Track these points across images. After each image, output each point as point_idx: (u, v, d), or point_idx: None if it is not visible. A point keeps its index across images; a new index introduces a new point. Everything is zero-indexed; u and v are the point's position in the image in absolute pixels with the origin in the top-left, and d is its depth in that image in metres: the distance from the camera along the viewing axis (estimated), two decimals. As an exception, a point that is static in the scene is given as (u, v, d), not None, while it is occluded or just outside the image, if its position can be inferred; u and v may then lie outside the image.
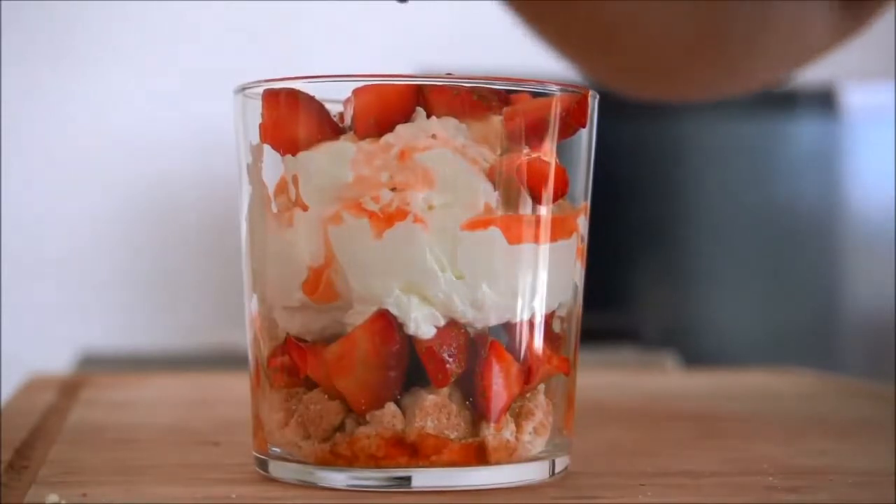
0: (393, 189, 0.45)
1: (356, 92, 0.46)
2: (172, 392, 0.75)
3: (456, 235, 0.45)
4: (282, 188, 0.47)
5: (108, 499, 0.44)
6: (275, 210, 0.47)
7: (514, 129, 0.46)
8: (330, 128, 0.46)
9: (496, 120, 0.46)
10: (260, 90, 0.47)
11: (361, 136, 0.46)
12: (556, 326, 0.48)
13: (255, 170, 0.48)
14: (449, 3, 1.84)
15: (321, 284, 0.46)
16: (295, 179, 0.46)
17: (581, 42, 0.78)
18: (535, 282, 0.47)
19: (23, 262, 1.79)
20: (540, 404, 0.47)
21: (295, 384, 0.47)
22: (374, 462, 0.45)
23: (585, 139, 0.48)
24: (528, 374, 0.47)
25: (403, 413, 0.45)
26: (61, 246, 1.80)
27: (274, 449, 0.47)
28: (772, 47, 0.77)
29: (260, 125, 0.47)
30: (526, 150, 0.46)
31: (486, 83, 0.46)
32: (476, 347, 0.46)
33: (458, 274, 0.45)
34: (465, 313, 0.45)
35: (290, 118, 0.46)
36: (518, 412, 0.47)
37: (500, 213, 0.46)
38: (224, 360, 1.21)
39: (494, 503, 0.44)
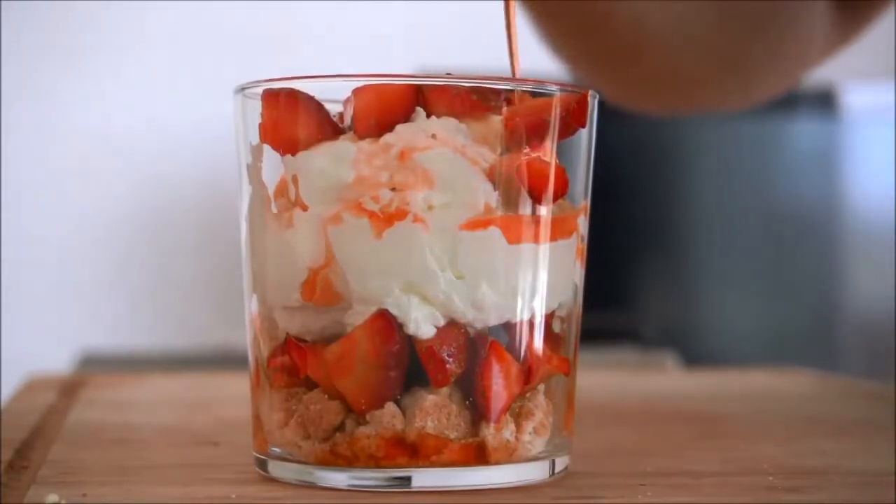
0: (393, 189, 0.45)
1: (356, 92, 0.46)
2: (172, 392, 0.75)
3: (456, 235, 0.45)
4: (282, 188, 0.47)
5: (107, 499, 0.44)
6: (275, 210, 0.47)
7: (514, 129, 0.46)
8: (330, 128, 0.46)
9: (496, 120, 0.46)
10: (260, 90, 0.47)
11: (361, 136, 0.46)
12: (556, 326, 0.48)
13: (254, 170, 0.48)
14: (449, 3, 1.84)
15: (317, 288, 0.46)
16: (295, 179, 0.46)
17: (603, 56, 0.78)
18: (534, 282, 0.47)
19: (23, 262, 1.78)
20: (540, 404, 0.47)
21: (295, 384, 0.47)
22: (374, 462, 0.45)
23: (585, 139, 0.48)
24: (528, 374, 0.47)
25: (403, 413, 0.45)
26: (61, 246, 1.80)
27: (274, 449, 0.47)
28: (789, 55, 0.77)
29: (260, 125, 0.47)
30: (526, 150, 0.46)
31: (486, 83, 0.46)
32: (476, 347, 0.46)
33: (458, 274, 0.45)
34: (465, 313, 0.45)
35: (290, 118, 0.46)
36: (518, 412, 0.47)
37: (500, 213, 0.46)
38: (224, 360, 1.21)
39: (494, 503, 0.44)
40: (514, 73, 0.49)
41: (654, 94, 0.81)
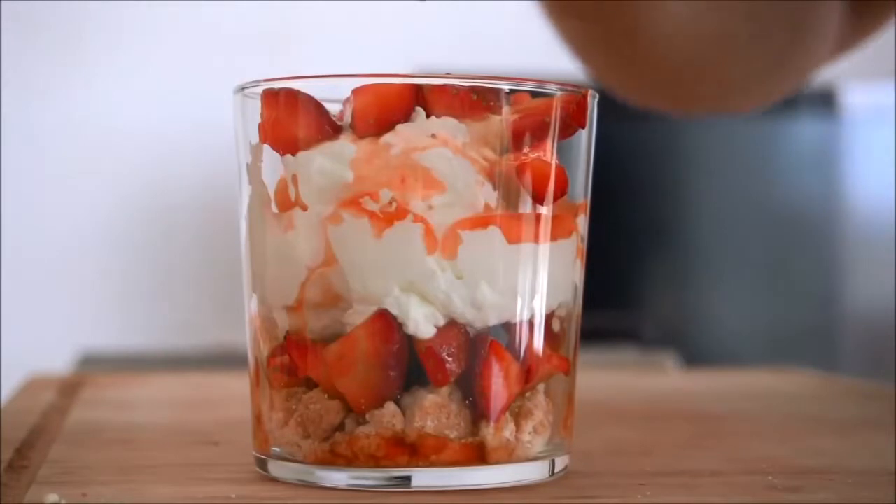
0: (392, 189, 0.45)
1: (355, 92, 0.46)
2: (172, 392, 0.75)
3: (456, 235, 0.45)
4: (282, 188, 0.47)
5: (107, 499, 0.44)
6: (275, 210, 0.47)
7: (515, 129, 0.46)
8: (330, 128, 0.46)
9: (496, 120, 0.46)
10: (259, 90, 0.47)
11: (361, 136, 0.46)
12: (556, 326, 0.48)
13: (254, 170, 0.48)
14: (448, 3, 1.84)
15: (306, 324, 0.46)
16: (295, 179, 0.46)
17: (629, 65, 0.77)
18: (534, 281, 0.47)
19: (23, 262, 1.78)
20: (540, 404, 0.47)
21: (295, 384, 0.47)
22: (374, 462, 0.45)
23: (585, 139, 0.48)
24: (527, 374, 0.47)
25: (403, 413, 0.45)
26: (61, 246, 1.80)
27: (274, 449, 0.47)
28: (800, 56, 0.77)
29: (259, 125, 0.47)
30: (526, 150, 0.46)
31: (486, 83, 0.46)
32: (476, 347, 0.46)
33: (458, 274, 0.45)
34: (465, 313, 0.45)
35: (290, 118, 0.46)
36: (518, 412, 0.47)
37: (499, 212, 0.46)
38: (224, 360, 1.21)
39: (494, 503, 0.44)
40: None
41: (669, 90, 0.81)
